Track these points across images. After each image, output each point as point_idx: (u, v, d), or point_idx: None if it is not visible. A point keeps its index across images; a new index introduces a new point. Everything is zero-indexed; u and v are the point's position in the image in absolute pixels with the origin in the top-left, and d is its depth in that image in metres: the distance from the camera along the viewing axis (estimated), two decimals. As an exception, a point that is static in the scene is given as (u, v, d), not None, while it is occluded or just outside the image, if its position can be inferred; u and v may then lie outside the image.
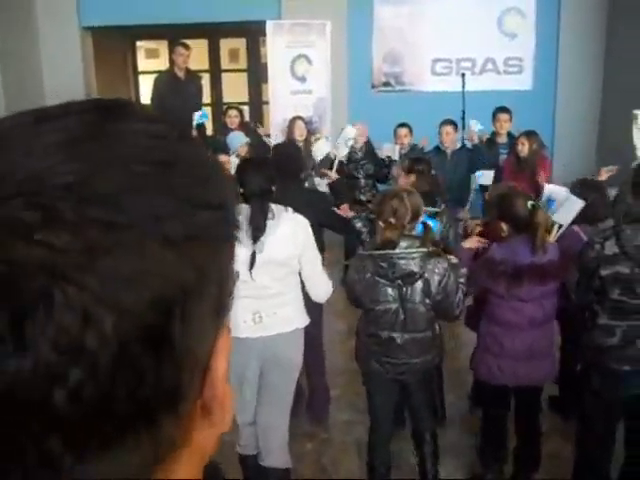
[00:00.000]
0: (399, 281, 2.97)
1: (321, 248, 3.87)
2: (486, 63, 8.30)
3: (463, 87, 6.78)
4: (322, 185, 5.67)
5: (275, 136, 6.92)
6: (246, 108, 8.68)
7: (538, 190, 4.36)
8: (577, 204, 3.61)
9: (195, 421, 0.41)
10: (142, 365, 0.34)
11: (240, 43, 10.55)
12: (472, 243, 3.50)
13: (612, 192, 4.47)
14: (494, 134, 6.32)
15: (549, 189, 3.90)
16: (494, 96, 7.13)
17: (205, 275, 0.38)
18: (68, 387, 0.32)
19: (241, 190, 2.89)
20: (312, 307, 3.25)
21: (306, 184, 5.12)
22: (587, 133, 8.14)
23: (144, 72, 10.47)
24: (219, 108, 9.52)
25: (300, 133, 6.12)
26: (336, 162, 5.81)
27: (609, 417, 3.09)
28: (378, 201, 3.17)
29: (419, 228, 3.15)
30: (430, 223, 3.26)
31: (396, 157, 6.10)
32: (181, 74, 7.52)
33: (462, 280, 3.10)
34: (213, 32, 9.64)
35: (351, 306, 3.41)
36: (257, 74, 10.06)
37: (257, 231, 2.83)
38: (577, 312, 3.27)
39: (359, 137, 6.33)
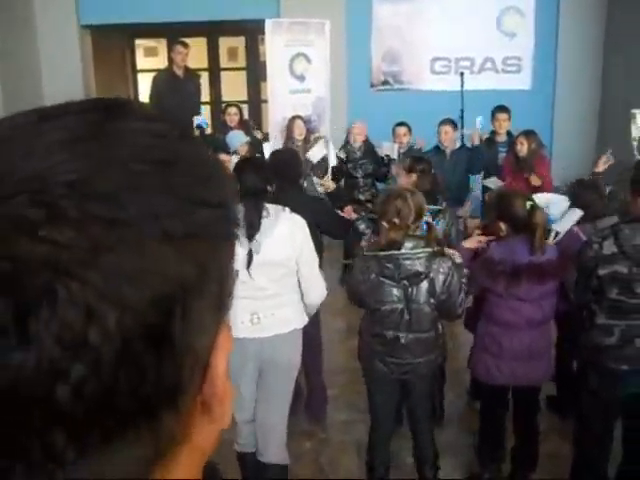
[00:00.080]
0: (405, 281, 2.97)
1: (320, 248, 3.87)
2: (485, 62, 8.30)
3: (462, 86, 6.78)
4: (320, 186, 5.68)
5: (274, 136, 6.91)
6: (245, 107, 8.66)
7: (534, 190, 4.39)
8: (575, 214, 3.65)
9: (195, 417, 0.41)
10: (144, 361, 0.35)
11: (239, 41, 10.54)
12: (472, 243, 3.51)
13: (609, 190, 4.49)
14: (493, 133, 6.33)
15: (545, 199, 3.92)
16: (493, 95, 7.13)
17: (205, 272, 0.38)
18: (71, 382, 0.32)
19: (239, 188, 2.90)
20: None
21: (305, 183, 5.11)
22: (586, 132, 8.14)
23: (143, 70, 10.47)
24: (218, 106, 9.52)
25: (299, 132, 6.12)
26: (329, 171, 5.84)
27: (607, 416, 3.09)
28: (381, 201, 3.16)
29: (423, 227, 3.15)
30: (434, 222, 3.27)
31: (395, 156, 6.10)
32: (180, 72, 7.52)
33: (464, 280, 3.11)
34: (212, 30, 9.64)
35: (350, 305, 3.42)
36: (256, 73, 10.05)
37: (251, 229, 2.84)
38: (575, 311, 3.27)
39: (357, 136, 6.33)
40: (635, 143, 6.25)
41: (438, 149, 6.05)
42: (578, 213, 3.64)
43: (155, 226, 0.36)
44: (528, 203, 3.20)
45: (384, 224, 3.03)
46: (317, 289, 3.11)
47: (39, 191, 0.34)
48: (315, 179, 5.73)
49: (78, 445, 0.33)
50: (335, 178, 5.89)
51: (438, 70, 8.33)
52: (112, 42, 9.64)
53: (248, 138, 6.25)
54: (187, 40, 7.73)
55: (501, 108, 6.28)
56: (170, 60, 7.72)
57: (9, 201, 0.34)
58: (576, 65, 8.10)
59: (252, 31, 9.31)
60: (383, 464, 3.29)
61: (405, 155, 5.94)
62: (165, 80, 7.46)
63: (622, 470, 3.22)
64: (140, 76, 10.59)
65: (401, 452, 3.57)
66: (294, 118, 6.27)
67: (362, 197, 6.27)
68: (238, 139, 6.11)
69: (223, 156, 5.60)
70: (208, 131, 6.90)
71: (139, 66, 10.76)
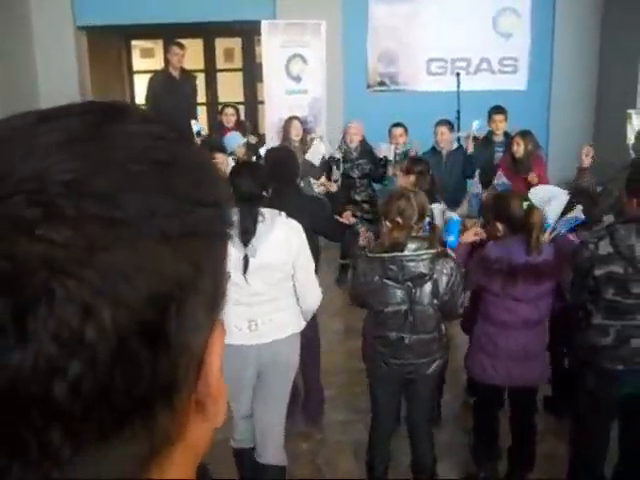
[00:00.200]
0: (409, 283, 2.96)
1: (317, 251, 3.87)
2: (481, 63, 8.31)
3: (458, 87, 6.80)
4: (318, 186, 5.68)
5: (271, 137, 6.91)
6: (241, 108, 8.65)
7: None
8: (563, 196, 3.69)
9: (189, 416, 0.42)
10: (139, 358, 0.35)
11: (235, 43, 10.53)
12: (469, 236, 3.51)
13: (601, 188, 4.52)
14: (490, 133, 6.34)
15: (548, 192, 3.94)
16: (489, 96, 7.14)
17: (200, 271, 0.39)
18: (68, 380, 0.33)
19: (233, 193, 2.89)
20: None
21: (301, 184, 5.11)
22: (582, 133, 8.15)
23: (139, 71, 10.45)
24: (214, 108, 9.51)
25: (296, 133, 6.12)
26: (334, 170, 5.85)
27: (603, 416, 3.09)
28: (384, 201, 3.16)
29: (426, 228, 3.15)
30: (447, 218, 3.24)
31: (391, 157, 6.11)
32: (176, 74, 7.51)
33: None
34: (208, 32, 9.63)
35: (347, 306, 3.42)
36: (252, 74, 10.05)
37: (246, 234, 2.83)
38: (570, 311, 3.28)
39: (354, 136, 6.33)
40: (630, 143, 6.28)
41: (434, 150, 6.05)
42: (579, 209, 3.67)
43: (152, 225, 0.37)
44: (525, 203, 3.21)
45: (387, 224, 3.03)
46: (313, 294, 3.10)
47: (36, 191, 0.35)
48: (312, 180, 5.73)
49: (74, 443, 0.34)
50: (328, 176, 5.90)
51: (434, 71, 8.33)
52: (108, 43, 9.63)
53: (245, 139, 6.25)
54: (183, 41, 7.72)
55: (498, 109, 6.29)
56: (166, 61, 7.72)
57: (7, 201, 0.34)
58: (572, 66, 8.12)
59: (248, 32, 9.30)
60: (383, 463, 3.29)
61: (401, 156, 5.96)
62: (161, 81, 7.46)
63: (618, 470, 3.23)
64: (136, 77, 10.57)
65: (397, 451, 3.56)
66: (291, 119, 6.27)
67: (358, 197, 6.27)
68: (235, 140, 6.11)
69: (219, 156, 5.59)
70: (205, 133, 6.88)
71: (135, 67, 10.73)
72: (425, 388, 3.19)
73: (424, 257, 2.94)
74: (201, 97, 9.01)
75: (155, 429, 0.37)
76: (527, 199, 3.30)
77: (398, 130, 6.28)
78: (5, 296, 0.32)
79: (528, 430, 3.40)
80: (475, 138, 6.27)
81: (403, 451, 3.45)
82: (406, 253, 2.94)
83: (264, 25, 7.27)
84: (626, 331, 2.95)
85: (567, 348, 3.78)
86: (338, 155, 6.14)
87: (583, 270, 2.99)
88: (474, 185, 5.51)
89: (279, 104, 7.22)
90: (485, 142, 6.29)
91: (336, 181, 6.04)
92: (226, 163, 5.38)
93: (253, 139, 6.56)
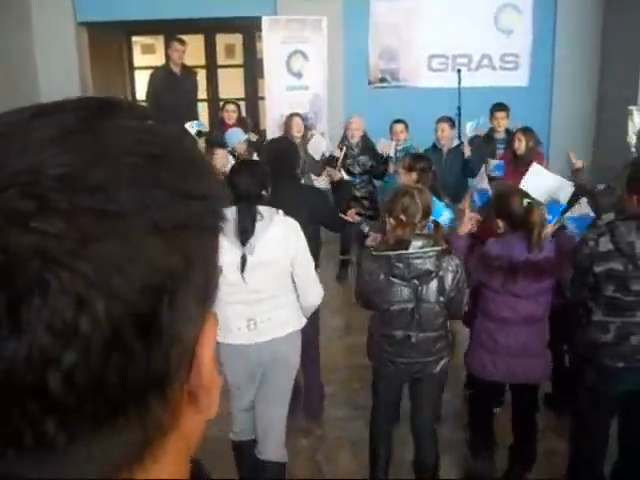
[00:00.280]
0: (415, 280, 2.95)
1: (318, 244, 3.87)
2: (482, 59, 8.29)
3: (459, 83, 6.79)
4: (319, 182, 5.67)
5: (272, 133, 6.90)
6: (242, 104, 8.64)
7: None
8: (568, 187, 3.70)
9: (182, 407, 0.42)
10: (133, 349, 0.36)
11: (236, 39, 10.52)
12: (466, 227, 3.50)
13: (602, 187, 4.51)
14: (492, 130, 6.33)
15: (558, 182, 3.95)
16: (490, 92, 7.12)
17: (192, 263, 0.40)
18: (62, 370, 0.33)
19: (232, 191, 2.88)
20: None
21: (302, 180, 5.11)
22: (583, 129, 8.15)
23: (140, 67, 10.44)
24: (215, 104, 9.50)
25: (298, 129, 6.11)
26: (340, 160, 5.84)
27: (603, 413, 3.10)
28: (389, 198, 3.16)
29: (429, 227, 3.15)
30: (446, 214, 3.24)
31: (392, 153, 6.10)
32: (177, 70, 7.50)
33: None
34: (209, 28, 9.61)
35: (348, 303, 3.42)
36: (253, 70, 10.04)
37: (244, 234, 2.81)
38: (571, 308, 3.28)
39: (355, 131, 6.33)
40: (632, 141, 6.27)
41: (435, 147, 6.05)
42: (584, 203, 3.68)
43: (145, 218, 0.37)
44: (525, 201, 3.21)
45: (391, 221, 3.02)
46: (314, 292, 3.09)
47: (30, 184, 0.35)
48: (313, 177, 5.73)
49: (69, 431, 0.35)
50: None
51: (435, 67, 8.32)
52: (109, 39, 9.62)
53: (247, 136, 6.24)
54: (184, 37, 7.71)
55: (499, 106, 6.27)
56: (167, 57, 7.70)
57: (1, 194, 0.35)
58: (573, 62, 8.10)
59: (249, 28, 9.29)
60: (385, 456, 3.28)
61: (402, 152, 5.95)
62: (162, 77, 7.45)
63: (618, 467, 3.23)
64: (137, 73, 10.56)
65: (402, 447, 3.56)
66: (292, 116, 6.27)
67: (358, 194, 6.26)
68: (237, 137, 6.10)
69: (219, 152, 5.58)
70: (205, 123, 6.86)
71: (136, 63, 10.73)
72: (431, 387, 3.17)
73: (430, 254, 2.93)
74: (202, 93, 9.00)
75: (148, 419, 0.38)
76: (528, 196, 3.30)
77: (399, 126, 6.28)
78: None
79: (529, 427, 3.41)
80: (476, 137, 6.26)
81: (407, 448, 3.45)
82: (412, 250, 2.93)
83: (265, 21, 7.26)
84: (626, 328, 2.95)
85: (567, 345, 3.78)
86: (338, 154, 6.10)
87: (583, 267, 2.99)
88: (480, 181, 5.47)
89: (280, 100, 7.21)
90: (486, 139, 6.28)
91: (339, 181, 6.01)
92: (226, 159, 5.38)
93: (254, 137, 6.54)
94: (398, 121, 6.31)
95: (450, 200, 5.04)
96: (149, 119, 0.44)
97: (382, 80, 8.45)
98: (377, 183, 6.44)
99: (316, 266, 3.26)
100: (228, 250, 2.75)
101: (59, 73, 7.84)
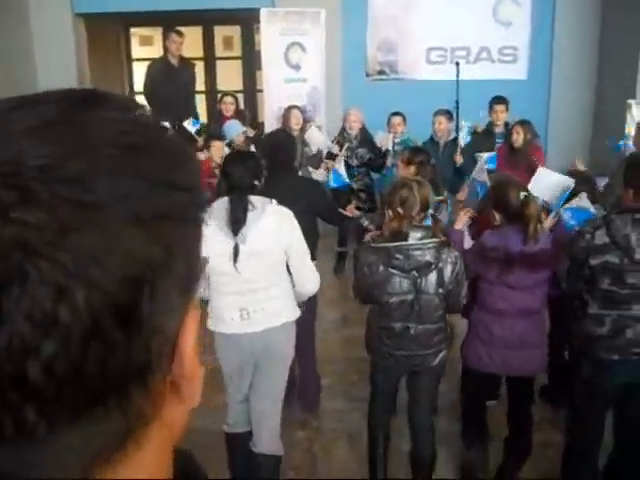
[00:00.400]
0: (414, 272, 2.95)
1: (316, 234, 3.87)
2: (481, 52, 8.27)
3: (457, 76, 6.76)
4: (317, 174, 5.66)
5: (270, 126, 6.88)
6: (240, 96, 8.62)
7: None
8: (568, 181, 3.72)
9: (165, 397, 0.42)
10: (112, 339, 0.36)
11: (234, 31, 10.49)
12: (461, 221, 3.50)
13: (601, 182, 4.51)
14: (491, 124, 6.31)
15: (563, 180, 3.96)
16: (489, 85, 7.12)
17: (173, 253, 0.40)
18: (42, 359, 0.34)
19: (225, 181, 2.88)
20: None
21: (300, 173, 5.10)
22: (582, 122, 8.14)
23: (138, 59, 10.41)
24: (213, 96, 9.49)
25: (296, 122, 6.10)
26: (343, 151, 5.83)
27: (598, 406, 3.10)
28: (388, 191, 3.16)
29: (427, 220, 3.14)
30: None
31: (390, 146, 6.09)
32: (175, 61, 7.48)
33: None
34: (207, 19, 9.59)
35: (344, 295, 3.42)
36: (251, 62, 10.02)
37: (236, 224, 2.82)
38: (567, 301, 3.28)
39: (354, 123, 6.31)
40: (631, 133, 6.26)
41: (433, 140, 6.04)
42: (584, 197, 3.69)
43: (124, 208, 0.37)
44: (522, 193, 3.21)
45: (389, 213, 3.02)
46: (311, 280, 3.09)
47: (12, 174, 0.35)
48: (311, 169, 5.72)
49: (49, 420, 0.35)
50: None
51: (434, 60, 8.30)
52: (107, 31, 9.59)
53: (245, 129, 6.23)
54: (182, 29, 7.69)
55: (499, 99, 6.25)
56: (165, 49, 7.68)
57: None
58: (572, 55, 8.09)
59: (247, 20, 9.27)
60: (383, 445, 3.28)
61: (400, 145, 5.94)
62: (160, 69, 7.43)
63: (612, 459, 3.25)
64: (135, 65, 10.54)
65: (399, 439, 3.57)
66: (290, 108, 6.25)
67: (355, 186, 6.25)
68: (235, 129, 6.10)
69: (216, 143, 5.58)
70: (202, 115, 6.85)
71: (134, 55, 10.70)
72: (429, 380, 3.18)
73: (430, 246, 2.93)
74: (200, 85, 8.98)
75: (129, 409, 0.38)
76: (525, 189, 3.30)
77: (397, 119, 6.27)
78: None
79: (524, 419, 3.41)
80: (475, 132, 6.26)
81: (403, 439, 3.46)
82: (412, 242, 2.93)
83: (263, 13, 7.24)
84: (622, 321, 2.96)
85: (563, 338, 3.78)
86: (336, 150, 6.07)
87: (579, 260, 3.00)
88: (479, 173, 5.45)
89: (278, 93, 7.20)
90: (486, 133, 6.27)
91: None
92: (223, 151, 5.37)
93: (251, 132, 6.52)
94: (396, 114, 6.30)
95: (448, 192, 5.05)
96: (133, 111, 0.44)
97: (380, 72, 8.44)
98: (375, 176, 6.43)
99: (313, 258, 3.26)
100: (220, 240, 2.76)
101: (57, 65, 7.82)
